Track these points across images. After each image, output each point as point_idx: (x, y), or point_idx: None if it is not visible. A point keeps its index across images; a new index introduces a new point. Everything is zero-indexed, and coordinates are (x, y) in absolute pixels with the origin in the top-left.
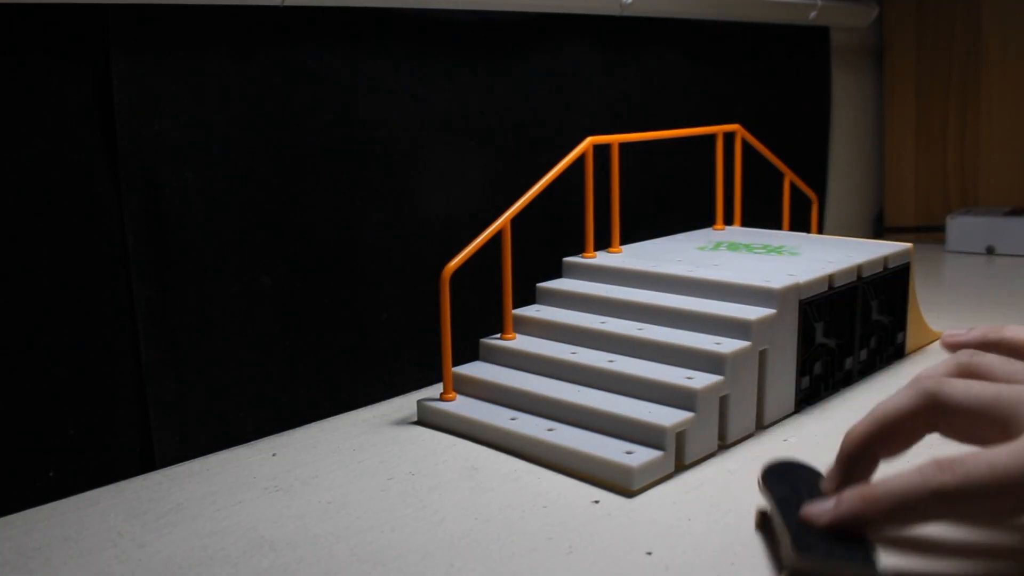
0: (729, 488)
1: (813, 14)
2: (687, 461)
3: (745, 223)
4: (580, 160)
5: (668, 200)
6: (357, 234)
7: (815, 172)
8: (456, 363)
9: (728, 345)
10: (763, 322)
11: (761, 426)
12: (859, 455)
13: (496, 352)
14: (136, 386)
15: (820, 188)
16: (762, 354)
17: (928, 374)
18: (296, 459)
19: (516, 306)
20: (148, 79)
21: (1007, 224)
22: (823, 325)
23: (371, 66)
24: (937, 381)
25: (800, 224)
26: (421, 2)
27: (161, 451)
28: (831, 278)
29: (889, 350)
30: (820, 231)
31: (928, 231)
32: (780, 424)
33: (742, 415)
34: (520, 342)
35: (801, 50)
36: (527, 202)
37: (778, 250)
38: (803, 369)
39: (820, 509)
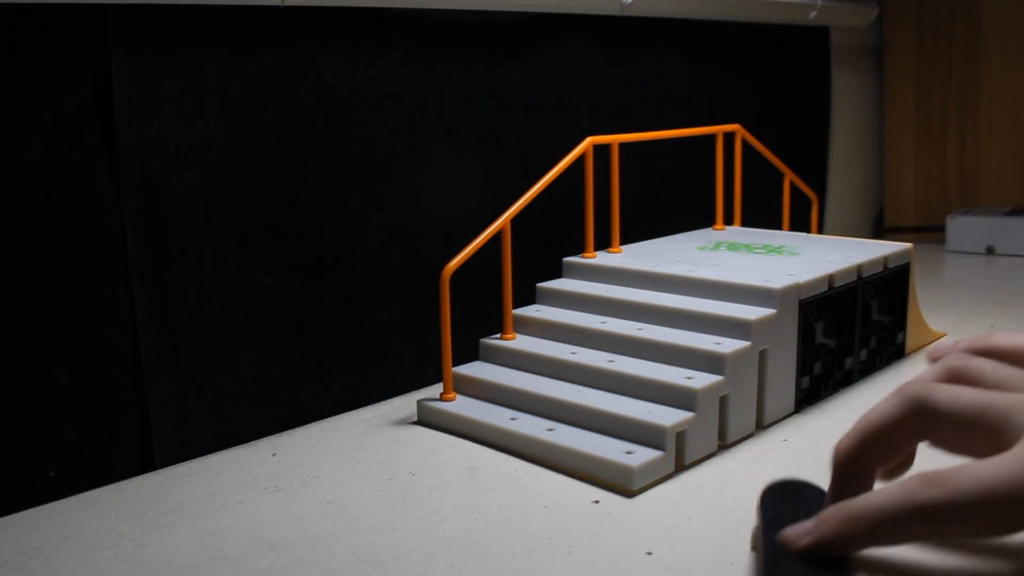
0: (729, 488)
1: (813, 14)
2: (687, 461)
3: (745, 223)
4: (580, 160)
5: (668, 200)
6: (357, 234)
7: (815, 172)
8: (456, 363)
9: (728, 345)
10: (763, 322)
11: (761, 426)
12: (850, 470)
13: (496, 352)
14: (136, 386)
15: (820, 188)
16: (762, 354)
17: (915, 380)
18: (296, 459)
19: (516, 306)
20: (148, 79)
21: (1007, 224)
22: (823, 325)
23: (371, 66)
24: (923, 387)
25: (800, 224)
26: (421, 2)
27: (161, 451)
28: (831, 278)
29: (889, 350)
30: (820, 231)
31: (928, 231)
32: (780, 424)
33: (742, 415)
34: (520, 342)
35: (801, 50)
36: (527, 202)
37: (778, 250)
38: (803, 369)
39: (798, 532)
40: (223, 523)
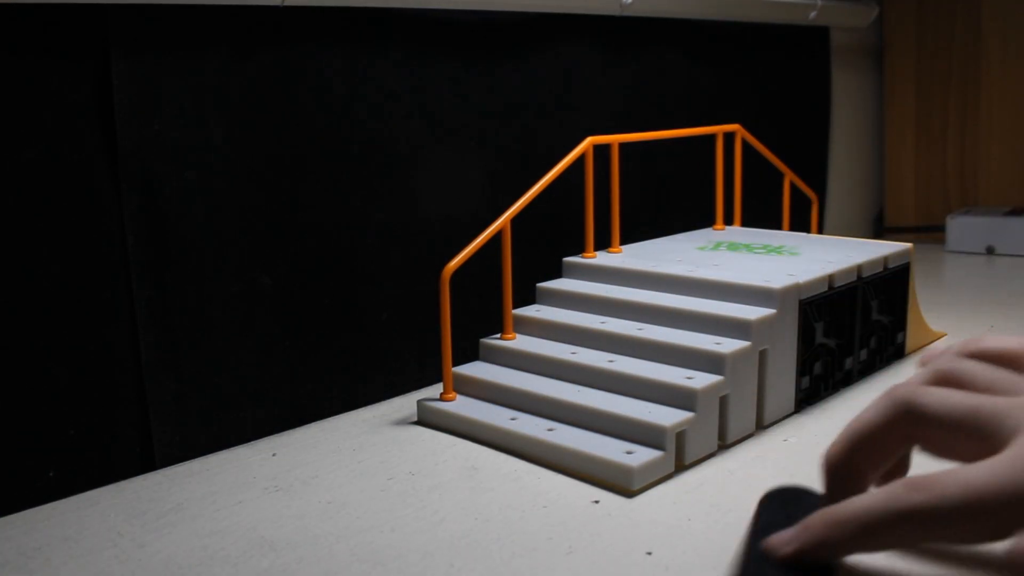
0: (729, 488)
1: (813, 14)
2: (687, 461)
3: (745, 223)
4: (580, 160)
5: (668, 200)
6: (357, 234)
7: (815, 172)
8: (456, 363)
9: (728, 345)
10: (763, 322)
11: (761, 426)
12: (841, 474)
13: (496, 352)
14: (136, 386)
15: (820, 188)
16: (762, 354)
17: (904, 383)
18: (296, 459)
19: (516, 306)
20: (148, 79)
21: (1007, 224)
22: (823, 325)
23: (371, 66)
24: (912, 390)
25: (800, 224)
26: (421, 2)
27: (161, 451)
28: (831, 278)
29: (889, 350)
30: (820, 231)
31: (928, 231)
32: (780, 424)
33: (742, 415)
34: (520, 342)
35: (801, 50)
36: (527, 202)
37: (778, 250)
38: (803, 369)
39: (782, 539)
40: (223, 523)
